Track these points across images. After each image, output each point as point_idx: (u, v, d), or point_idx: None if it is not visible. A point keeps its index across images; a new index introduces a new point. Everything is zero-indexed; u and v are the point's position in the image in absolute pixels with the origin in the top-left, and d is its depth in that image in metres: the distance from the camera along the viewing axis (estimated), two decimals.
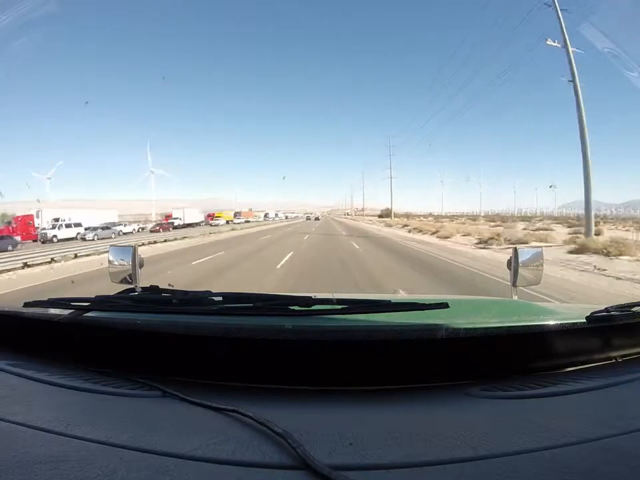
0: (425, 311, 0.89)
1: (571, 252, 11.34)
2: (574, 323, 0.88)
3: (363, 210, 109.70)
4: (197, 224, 47.69)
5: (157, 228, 37.75)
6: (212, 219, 57.04)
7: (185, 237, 25.50)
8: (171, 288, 1.03)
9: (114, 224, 34.18)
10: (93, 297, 0.97)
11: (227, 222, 57.55)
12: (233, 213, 71.28)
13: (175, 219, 45.91)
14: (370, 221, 65.96)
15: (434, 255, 12.41)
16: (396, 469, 0.53)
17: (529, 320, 0.99)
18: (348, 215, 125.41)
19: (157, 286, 1.02)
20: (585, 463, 0.54)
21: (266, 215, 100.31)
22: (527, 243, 14.15)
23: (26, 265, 12.09)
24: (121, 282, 1.44)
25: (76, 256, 14.57)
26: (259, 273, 8.90)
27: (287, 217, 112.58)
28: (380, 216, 79.39)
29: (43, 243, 25.19)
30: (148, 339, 0.87)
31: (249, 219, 73.63)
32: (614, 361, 0.91)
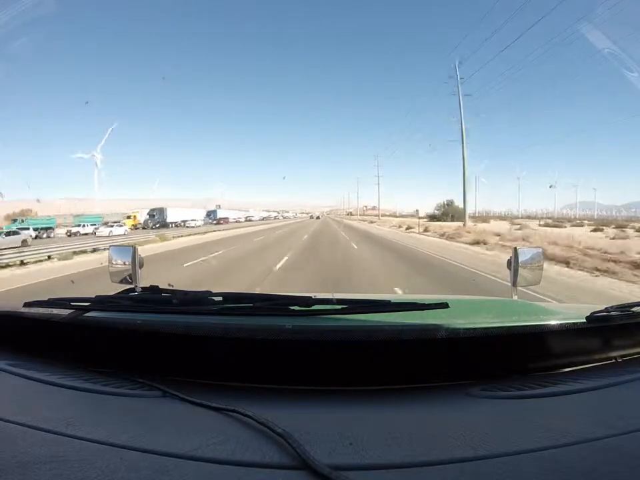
0: (425, 311, 0.89)
1: None
2: (574, 323, 0.88)
3: (373, 209, 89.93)
4: None
5: None
6: None
7: None
8: (170, 288, 1.03)
9: None
10: (93, 296, 0.97)
11: None
12: None
13: None
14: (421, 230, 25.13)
15: None
16: (396, 469, 0.53)
17: (529, 320, 0.99)
18: (352, 214, 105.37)
19: (157, 286, 1.03)
20: (585, 462, 0.54)
21: (153, 216, 41.79)
22: None
23: None
24: (121, 282, 1.44)
25: None
26: None
27: (216, 221, 51.88)
28: (434, 217, 43.06)
29: None
30: (148, 339, 0.87)
31: None
32: (614, 361, 0.91)
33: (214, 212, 65.77)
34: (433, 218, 42.03)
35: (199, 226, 41.39)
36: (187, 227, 40.74)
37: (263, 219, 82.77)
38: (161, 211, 45.84)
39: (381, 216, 73.30)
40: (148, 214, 45.36)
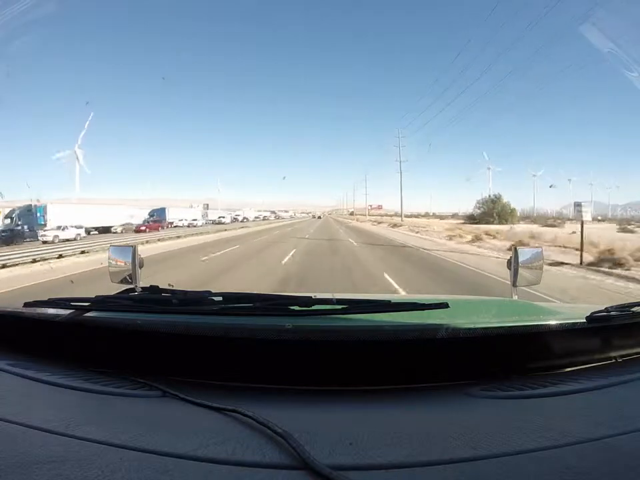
0: (425, 311, 0.89)
1: None
2: (574, 323, 0.88)
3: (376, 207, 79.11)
4: None
5: None
6: None
7: None
8: (170, 288, 1.03)
9: None
10: (93, 296, 0.97)
11: None
12: None
13: None
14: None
15: None
16: (396, 469, 0.53)
17: (529, 320, 0.99)
18: (353, 214, 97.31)
19: (157, 286, 1.02)
20: (585, 462, 0.53)
21: (11, 219, 26.66)
22: None
23: None
24: (121, 282, 1.44)
25: None
26: None
27: (137, 229, 30.27)
28: (472, 219, 33.01)
29: None
30: (148, 339, 0.87)
31: None
32: (614, 360, 0.91)
33: (160, 211, 43.64)
34: (471, 219, 32.25)
35: (80, 238, 22.53)
36: (45, 242, 20.55)
37: (243, 220, 59.70)
38: (29, 211, 26.94)
39: (385, 216, 62.79)
40: (6, 216, 27.01)
